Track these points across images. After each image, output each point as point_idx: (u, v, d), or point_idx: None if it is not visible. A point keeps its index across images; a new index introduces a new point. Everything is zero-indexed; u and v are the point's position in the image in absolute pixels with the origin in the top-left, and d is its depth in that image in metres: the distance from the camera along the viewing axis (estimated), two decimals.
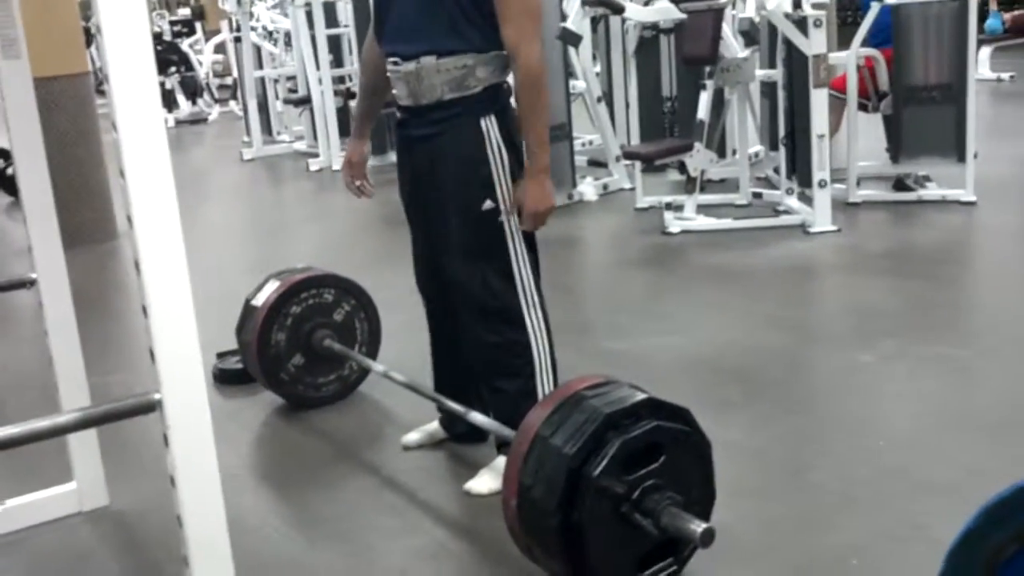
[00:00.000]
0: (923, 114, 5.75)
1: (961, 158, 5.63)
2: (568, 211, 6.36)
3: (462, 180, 2.59)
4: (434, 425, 3.05)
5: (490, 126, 2.59)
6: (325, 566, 2.47)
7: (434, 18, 2.55)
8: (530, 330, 2.67)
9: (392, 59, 2.66)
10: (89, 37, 8.79)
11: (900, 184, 5.97)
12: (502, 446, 2.74)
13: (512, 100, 2.68)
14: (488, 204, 2.59)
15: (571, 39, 6.23)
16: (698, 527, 1.95)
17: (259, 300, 3.36)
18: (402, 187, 2.82)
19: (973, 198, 5.57)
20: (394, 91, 2.72)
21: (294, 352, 3.36)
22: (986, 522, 1.30)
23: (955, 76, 5.62)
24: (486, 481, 2.71)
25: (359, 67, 2.94)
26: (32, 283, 2.72)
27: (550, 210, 2.59)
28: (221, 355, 3.82)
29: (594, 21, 7.44)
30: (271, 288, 3.37)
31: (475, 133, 2.57)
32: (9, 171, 8.03)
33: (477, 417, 2.66)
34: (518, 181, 2.61)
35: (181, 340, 1.69)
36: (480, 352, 2.72)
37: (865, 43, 5.83)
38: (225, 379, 3.74)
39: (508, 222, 2.61)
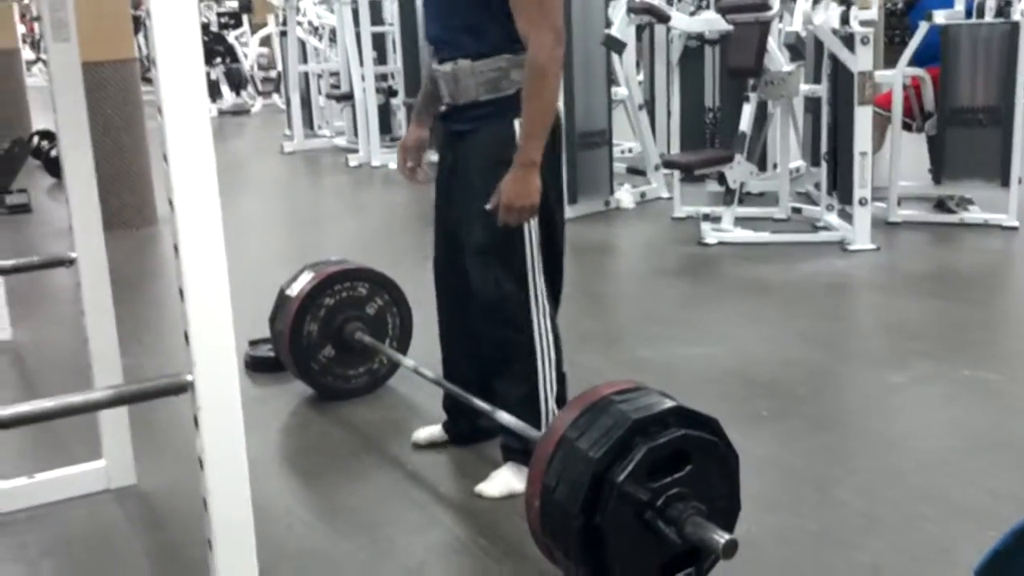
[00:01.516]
0: (968, 136, 5.69)
1: (1005, 182, 5.56)
2: (604, 218, 6.36)
3: (488, 177, 2.59)
4: (437, 428, 3.06)
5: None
6: (346, 557, 2.48)
7: (467, 22, 2.56)
8: (536, 337, 2.65)
9: (434, 58, 2.70)
10: (137, 24, 8.89)
11: (941, 205, 5.91)
12: (508, 452, 2.76)
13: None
14: None
15: (615, 46, 6.23)
16: (721, 538, 1.94)
17: (293, 290, 3.38)
18: (438, 179, 2.85)
19: (1016, 223, 5.50)
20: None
21: (326, 343, 3.38)
22: (1016, 543, 1.28)
23: (1002, 99, 5.55)
24: (497, 484, 2.71)
25: (404, 60, 2.96)
26: (72, 262, 2.75)
27: (529, 207, 2.51)
28: (253, 343, 3.85)
29: (639, 29, 7.42)
30: (306, 279, 3.39)
31: (506, 133, 2.57)
32: (54, 153, 8.15)
33: (504, 416, 2.66)
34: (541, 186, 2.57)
35: (216, 323, 1.71)
36: (487, 351, 2.74)
37: (912, 62, 5.78)
38: (256, 367, 3.77)
39: (528, 225, 2.60)
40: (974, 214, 5.75)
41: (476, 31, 2.57)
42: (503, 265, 2.62)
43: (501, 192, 2.51)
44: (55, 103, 2.61)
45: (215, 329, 1.71)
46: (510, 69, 2.56)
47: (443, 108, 2.75)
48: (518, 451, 2.68)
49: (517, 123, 2.56)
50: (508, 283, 2.62)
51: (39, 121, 9.83)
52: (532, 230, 2.61)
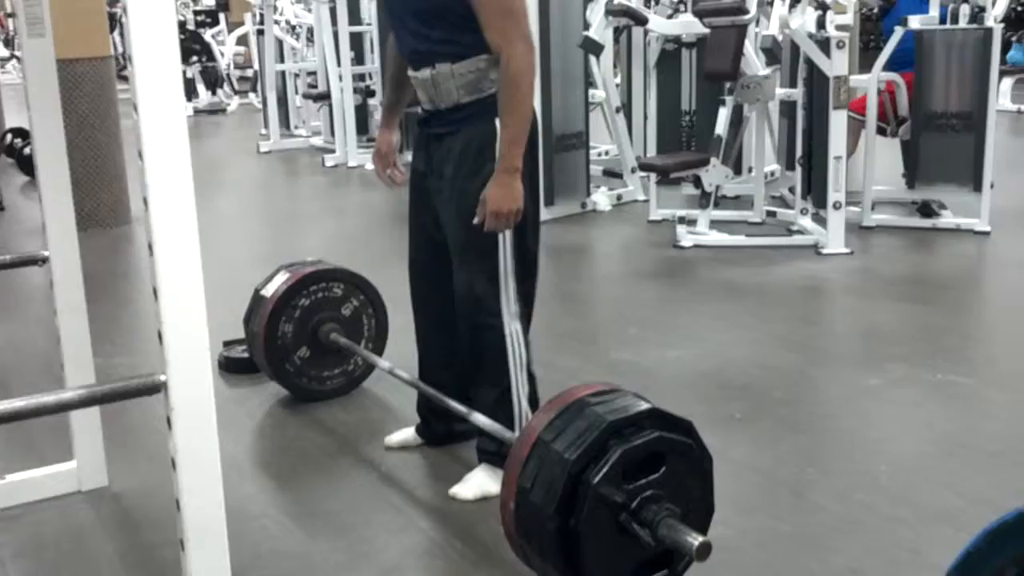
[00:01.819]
0: (941, 141, 5.74)
1: (977, 187, 5.61)
2: (580, 220, 6.37)
3: (467, 175, 2.59)
4: (410, 432, 3.06)
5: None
6: (321, 559, 2.47)
7: (441, 26, 2.56)
8: (507, 337, 2.64)
9: (410, 66, 2.70)
10: (113, 22, 8.82)
11: (926, 209, 5.92)
12: (483, 454, 2.76)
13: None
14: None
15: (593, 48, 6.24)
16: (695, 540, 1.94)
17: (268, 291, 3.36)
18: (413, 181, 2.84)
19: (988, 228, 5.55)
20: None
21: (300, 344, 3.37)
22: (987, 544, 1.30)
23: (976, 105, 5.60)
24: (471, 487, 2.71)
25: (382, 61, 2.96)
26: (44, 261, 2.72)
27: (514, 212, 2.52)
28: (228, 344, 3.83)
29: (617, 31, 7.45)
30: (281, 279, 3.37)
31: (487, 132, 2.57)
32: (27, 150, 8.08)
33: (479, 419, 2.66)
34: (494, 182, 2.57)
35: (189, 323, 1.70)
36: (463, 352, 2.75)
37: (887, 67, 5.82)
38: (231, 368, 3.75)
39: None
40: (947, 219, 5.80)
41: (452, 40, 2.57)
42: (479, 265, 2.62)
43: (486, 199, 2.52)
44: (29, 100, 2.59)
45: (189, 329, 1.70)
46: (488, 69, 2.56)
47: (421, 112, 2.75)
48: (493, 453, 2.68)
49: (498, 121, 2.56)
50: (480, 282, 2.63)
51: (12, 119, 9.74)
52: (506, 231, 2.61)
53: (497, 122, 2.55)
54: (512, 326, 2.64)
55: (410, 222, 2.88)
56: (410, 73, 2.71)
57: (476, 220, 2.55)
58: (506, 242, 2.60)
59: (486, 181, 2.54)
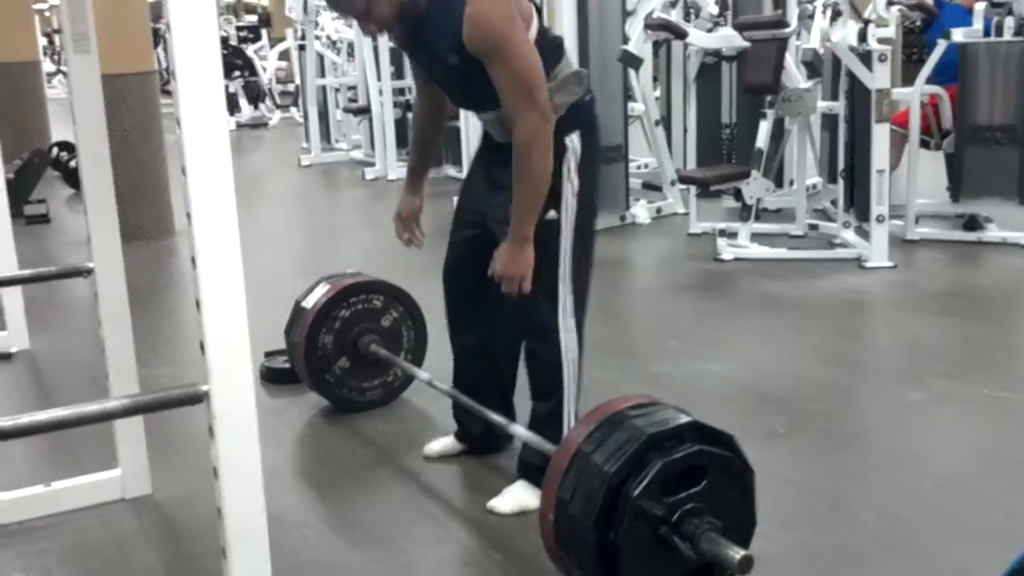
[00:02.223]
0: (986, 154, 5.67)
1: (1023, 201, 5.54)
2: (620, 233, 6.36)
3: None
4: (449, 440, 3.06)
5: (572, 143, 2.57)
6: (359, 569, 2.48)
7: (479, 80, 2.47)
8: (563, 352, 2.63)
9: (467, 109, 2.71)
10: (157, 37, 8.95)
11: (972, 223, 5.83)
12: (524, 470, 2.75)
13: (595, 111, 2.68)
14: (551, 214, 2.56)
15: (632, 62, 6.24)
16: (736, 554, 1.93)
17: (309, 302, 3.39)
18: (468, 184, 2.84)
19: None
20: None
21: (340, 355, 3.38)
22: None
23: (1020, 117, 5.53)
24: (509, 501, 2.70)
25: (412, 112, 2.97)
26: (89, 272, 2.77)
27: (519, 278, 2.51)
28: (269, 354, 3.86)
29: (656, 45, 7.44)
30: (321, 291, 3.40)
31: (556, 149, 2.53)
32: (72, 164, 8.21)
33: (520, 431, 2.66)
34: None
35: (232, 334, 1.71)
36: (512, 363, 2.73)
37: (930, 80, 5.77)
38: (272, 378, 3.78)
39: (564, 239, 2.59)
40: (992, 232, 5.72)
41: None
42: (536, 278, 2.56)
43: (496, 262, 2.53)
44: (75, 114, 2.63)
45: (231, 340, 1.72)
46: (551, 95, 2.50)
47: (490, 144, 2.74)
48: (533, 468, 2.65)
49: (567, 139, 2.55)
50: (538, 294, 2.60)
51: (58, 132, 9.91)
52: (567, 243, 2.59)
53: (565, 140, 2.54)
54: (566, 340, 2.63)
55: (456, 225, 2.87)
56: (478, 115, 2.71)
57: (489, 272, 2.55)
58: (567, 255, 2.59)
59: (553, 194, 2.53)
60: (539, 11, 2.60)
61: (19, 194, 7.34)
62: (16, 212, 5.60)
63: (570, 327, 2.63)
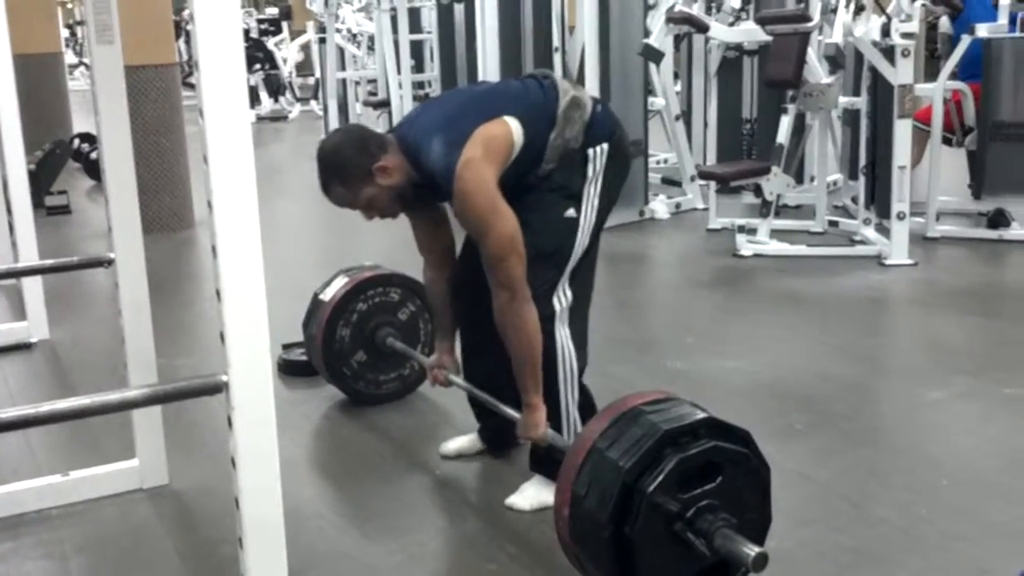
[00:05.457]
0: (1009, 151, 5.63)
1: None
2: (639, 228, 6.34)
3: (556, 185, 2.59)
4: (465, 439, 3.06)
5: (598, 153, 2.59)
6: (375, 560, 2.48)
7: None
8: (558, 346, 2.62)
9: None
10: (178, 29, 8.98)
11: (997, 219, 5.72)
12: (535, 463, 2.75)
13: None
14: (571, 212, 2.58)
15: (653, 56, 6.22)
16: (751, 551, 1.92)
17: (327, 295, 3.40)
18: None
19: None
20: None
21: (358, 348, 3.39)
22: None
23: None
24: (528, 498, 2.70)
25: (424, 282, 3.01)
26: (110, 263, 2.78)
27: (538, 437, 2.56)
28: (287, 347, 3.87)
29: (677, 39, 7.41)
30: (339, 284, 3.40)
31: (581, 157, 2.58)
32: (94, 155, 8.25)
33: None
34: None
35: (251, 325, 1.72)
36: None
37: (953, 76, 5.72)
38: (289, 370, 3.79)
39: (579, 239, 2.60)
40: (1014, 230, 5.67)
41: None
42: (543, 269, 2.57)
43: (518, 430, 2.59)
44: (97, 105, 2.64)
45: (251, 331, 1.72)
46: (564, 131, 2.54)
47: None
48: (544, 460, 2.66)
49: (590, 151, 2.57)
50: (539, 286, 2.60)
51: (80, 124, 9.96)
52: (579, 244, 2.60)
53: (590, 151, 2.57)
54: (561, 332, 2.63)
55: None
56: None
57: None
58: (576, 255, 2.60)
59: (573, 195, 2.57)
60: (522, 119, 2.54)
61: (41, 185, 7.39)
62: (37, 203, 5.64)
63: (564, 320, 2.63)
